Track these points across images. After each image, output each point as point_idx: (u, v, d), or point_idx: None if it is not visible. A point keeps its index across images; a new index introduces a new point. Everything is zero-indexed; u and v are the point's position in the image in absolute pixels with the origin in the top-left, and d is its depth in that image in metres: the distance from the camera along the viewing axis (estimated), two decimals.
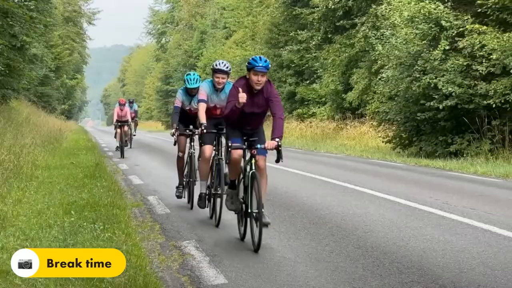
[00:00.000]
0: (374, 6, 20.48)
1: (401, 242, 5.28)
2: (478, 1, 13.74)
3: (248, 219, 5.14)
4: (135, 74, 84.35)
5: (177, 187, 7.53)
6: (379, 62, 18.20)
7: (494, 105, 13.16)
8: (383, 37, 17.32)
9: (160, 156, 16.66)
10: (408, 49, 15.10)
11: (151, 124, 63.41)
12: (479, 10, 13.90)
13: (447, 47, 14.02)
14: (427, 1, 14.47)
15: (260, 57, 5.07)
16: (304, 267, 4.48)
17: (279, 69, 30.00)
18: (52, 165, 11.38)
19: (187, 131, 7.28)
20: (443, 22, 14.17)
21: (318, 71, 26.06)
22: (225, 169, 6.08)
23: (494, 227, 5.83)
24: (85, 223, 5.50)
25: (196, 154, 7.16)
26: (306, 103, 27.98)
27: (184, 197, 7.50)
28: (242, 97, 4.93)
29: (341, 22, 23.99)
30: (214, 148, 6.54)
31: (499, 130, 13.96)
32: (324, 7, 24.04)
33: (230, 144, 5.12)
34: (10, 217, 5.78)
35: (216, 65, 6.39)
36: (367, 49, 21.22)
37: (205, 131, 6.28)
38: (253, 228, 4.98)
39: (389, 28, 16.82)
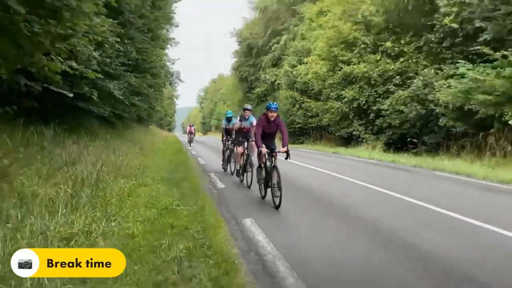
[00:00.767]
0: None
1: None
2: None
3: (269, 189, 8.52)
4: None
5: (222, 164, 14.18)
6: None
7: None
8: None
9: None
10: None
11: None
12: None
13: None
14: None
15: (272, 103, 8.52)
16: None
17: None
18: (162, 147, 23.60)
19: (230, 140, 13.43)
20: None
21: None
22: (252, 158, 10.82)
23: None
24: (180, 167, 13.12)
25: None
26: None
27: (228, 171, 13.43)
28: (263, 148, 8.29)
29: None
30: (245, 147, 11.44)
31: None
32: None
33: (259, 148, 8.29)
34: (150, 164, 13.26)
35: (245, 106, 11.89)
36: None
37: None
38: (274, 194, 8.08)
39: None
